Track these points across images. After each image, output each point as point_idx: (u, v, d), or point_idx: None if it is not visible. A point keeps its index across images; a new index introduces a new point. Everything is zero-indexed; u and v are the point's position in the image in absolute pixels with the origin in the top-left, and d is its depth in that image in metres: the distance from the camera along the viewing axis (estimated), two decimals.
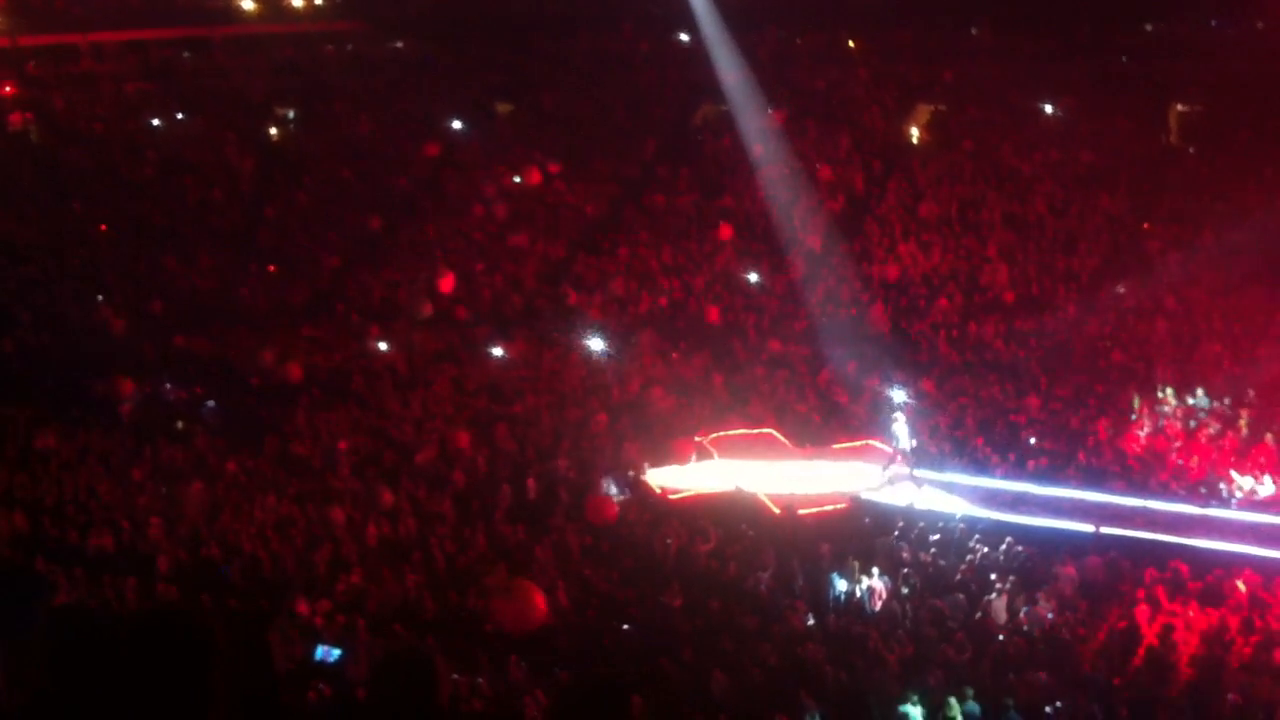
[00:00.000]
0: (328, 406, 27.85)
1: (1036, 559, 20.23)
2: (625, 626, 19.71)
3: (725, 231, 33.75)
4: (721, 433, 25.26)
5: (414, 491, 23.94)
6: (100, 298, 32.16)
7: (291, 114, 43.61)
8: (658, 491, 23.68)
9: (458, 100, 41.66)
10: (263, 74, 43.64)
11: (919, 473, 23.64)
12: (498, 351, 30.27)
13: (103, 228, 35.35)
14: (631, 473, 23.94)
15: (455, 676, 17.45)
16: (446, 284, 31.21)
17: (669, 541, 21.48)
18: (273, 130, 43.03)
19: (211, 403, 26.94)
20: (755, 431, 25.40)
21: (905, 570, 19.94)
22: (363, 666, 17.77)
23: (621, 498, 22.83)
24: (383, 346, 30.56)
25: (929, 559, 20.42)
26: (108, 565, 21.35)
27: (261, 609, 19.15)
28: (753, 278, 32.20)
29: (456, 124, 41.14)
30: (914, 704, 16.38)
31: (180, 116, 41.29)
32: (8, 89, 40.69)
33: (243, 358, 29.49)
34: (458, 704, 16.80)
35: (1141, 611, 18.68)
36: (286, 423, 26.82)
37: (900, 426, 23.58)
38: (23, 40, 40.91)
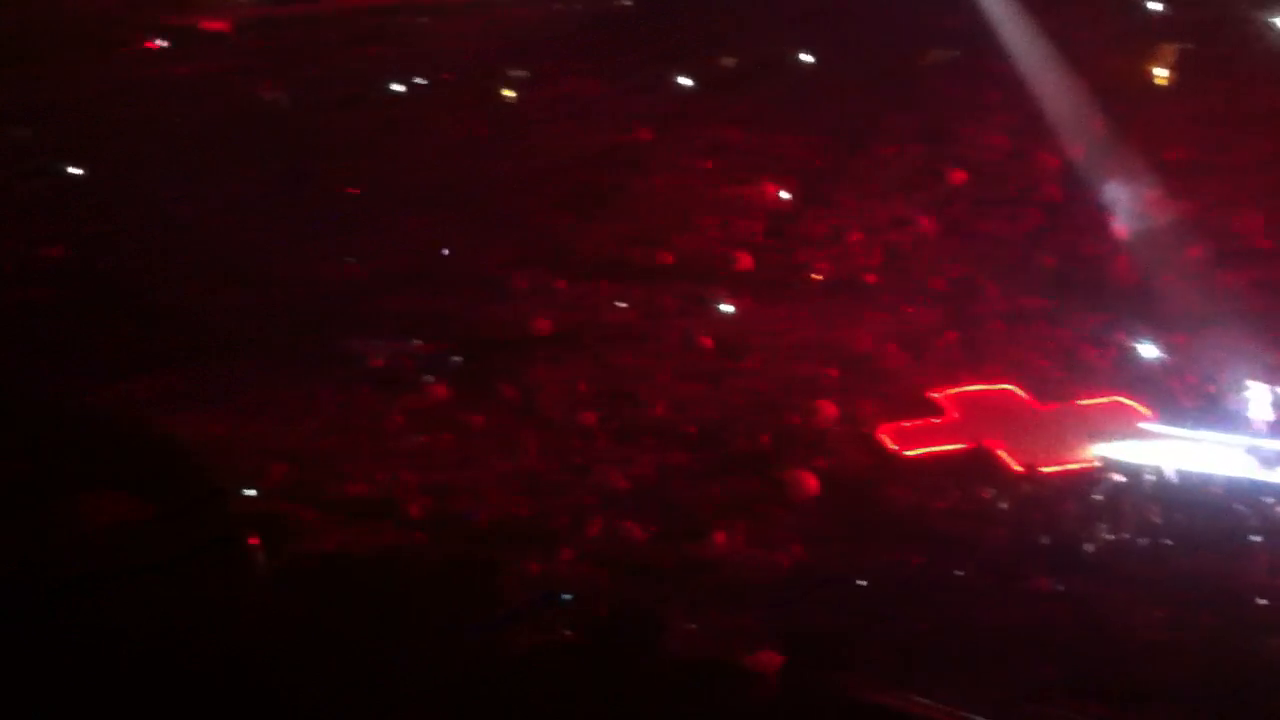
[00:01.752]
0: (563, 360, 28.51)
1: None
2: (860, 582, 19.64)
3: (958, 177, 32.98)
4: (958, 389, 24.84)
5: (648, 443, 24.37)
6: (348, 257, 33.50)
7: (521, 73, 44.46)
8: (891, 447, 23.50)
9: (681, 53, 41.79)
10: (494, 35, 44.64)
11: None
12: (727, 307, 30.35)
13: (352, 190, 36.81)
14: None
15: (690, 626, 17.83)
16: None
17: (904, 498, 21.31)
18: (504, 90, 44.00)
19: (457, 357, 27.87)
20: (993, 388, 24.89)
21: (1156, 531, 19.30)
22: (601, 614, 18.32)
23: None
24: (614, 301, 31.04)
25: (1181, 519, 19.71)
26: (362, 513, 22.41)
27: (500, 556, 19.98)
28: (987, 228, 31.43)
29: (680, 78, 41.29)
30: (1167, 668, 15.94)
31: (418, 80, 42.57)
32: (261, 59, 42.75)
33: (481, 312, 30.43)
34: (689, 652, 17.17)
35: None
36: (526, 377, 27.55)
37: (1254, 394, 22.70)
38: (273, 11, 42.92)
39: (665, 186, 37.28)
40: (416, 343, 28.57)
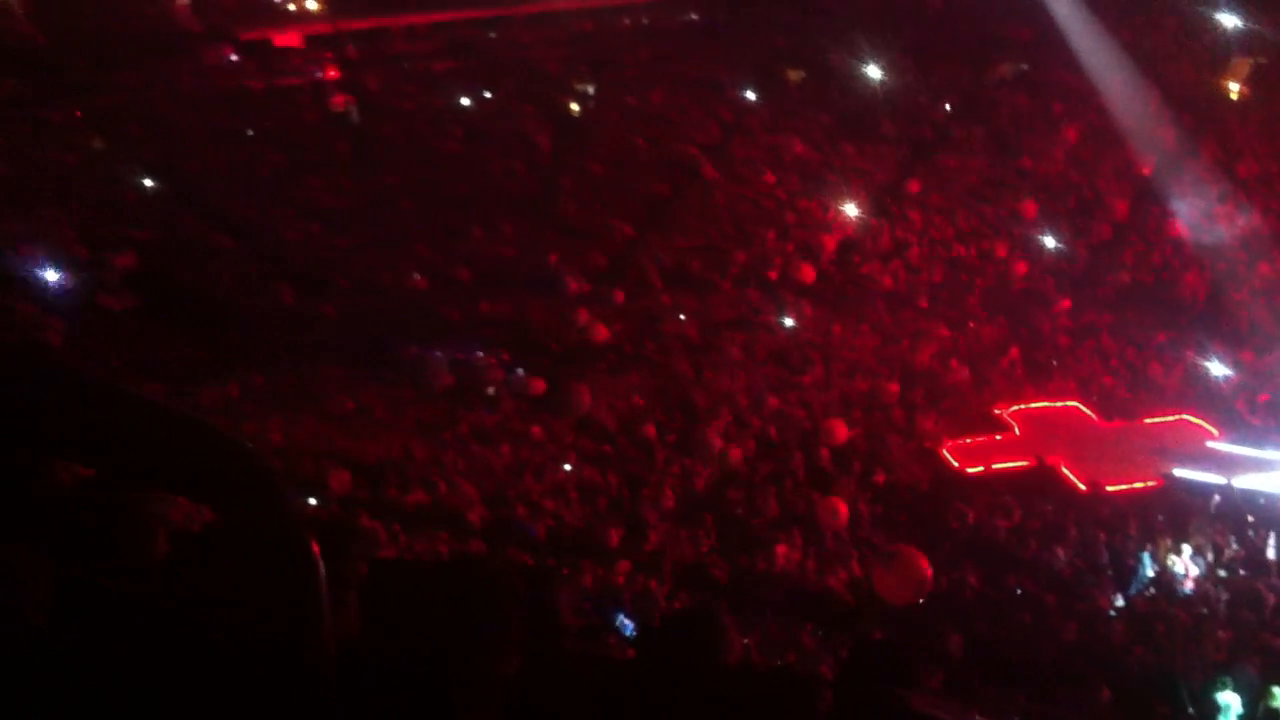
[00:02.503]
0: (622, 372, 28.55)
1: None
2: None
3: (1029, 210, 32.49)
4: (1021, 406, 24.53)
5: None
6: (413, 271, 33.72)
7: (586, 85, 44.63)
8: (953, 463, 23.28)
9: (746, 66, 41.73)
10: (559, 47, 44.86)
11: None
12: (788, 320, 30.23)
13: (415, 200, 37.11)
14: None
15: (745, 640, 17.69)
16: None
17: (966, 515, 21.08)
18: (569, 102, 44.19)
19: (520, 370, 27.99)
20: (1058, 405, 24.54)
21: (1222, 551, 18.92)
22: (655, 626, 18.23)
23: None
24: (675, 313, 31.02)
25: (1249, 539, 19.31)
26: (423, 520, 22.56)
27: (556, 566, 19.96)
28: (1054, 242, 31.00)
29: (745, 90, 41.22)
30: (1230, 691, 15.56)
31: (484, 93, 42.86)
32: (331, 72, 43.26)
33: (544, 323, 30.53)
34: (745, 665, 17.04)
35: None
36: (583, 387, 27.59)
37: None
38: (343, 25, 43.45)
39: (727, 198, 37.25)
40: (477, 352, 28.74)
